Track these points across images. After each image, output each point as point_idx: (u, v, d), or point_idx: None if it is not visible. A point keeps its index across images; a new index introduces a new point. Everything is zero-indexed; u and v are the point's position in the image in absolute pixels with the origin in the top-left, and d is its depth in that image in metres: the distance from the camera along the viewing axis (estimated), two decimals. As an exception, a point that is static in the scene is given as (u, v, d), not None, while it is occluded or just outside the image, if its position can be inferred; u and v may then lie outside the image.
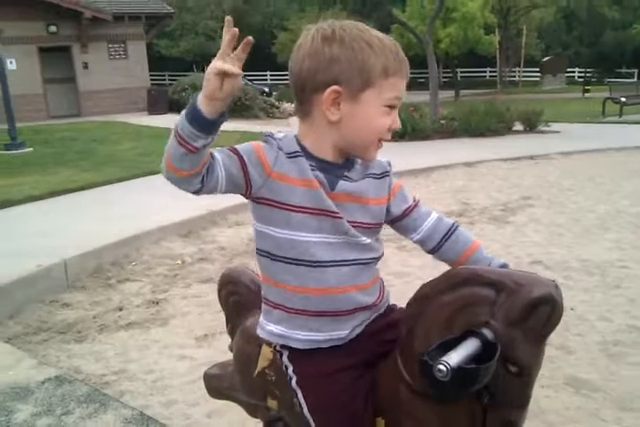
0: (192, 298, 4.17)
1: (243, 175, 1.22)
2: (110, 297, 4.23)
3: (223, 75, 1.09)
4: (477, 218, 6.01)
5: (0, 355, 3.27)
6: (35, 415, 2.62)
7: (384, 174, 1.37)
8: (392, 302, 1.47)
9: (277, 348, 1.39)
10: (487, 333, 1.13)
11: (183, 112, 1.13)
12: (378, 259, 1.37)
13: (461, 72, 33.56)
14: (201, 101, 1.11)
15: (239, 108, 15.72)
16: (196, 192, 1.21)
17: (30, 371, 3.03)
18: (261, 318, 1.41)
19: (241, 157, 1.22)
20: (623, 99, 15.74)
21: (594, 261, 4.55)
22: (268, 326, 1.37)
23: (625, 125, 13.85)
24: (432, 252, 1.43)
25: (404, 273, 4.33)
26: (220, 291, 1.92)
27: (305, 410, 1.35)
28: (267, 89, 22.53)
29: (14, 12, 16.38)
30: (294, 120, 15.82)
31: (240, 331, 1.75)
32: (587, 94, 23.95)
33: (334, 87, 1.21)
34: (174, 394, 2.88)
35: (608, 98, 16.50)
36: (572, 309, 3.58)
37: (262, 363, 1.59)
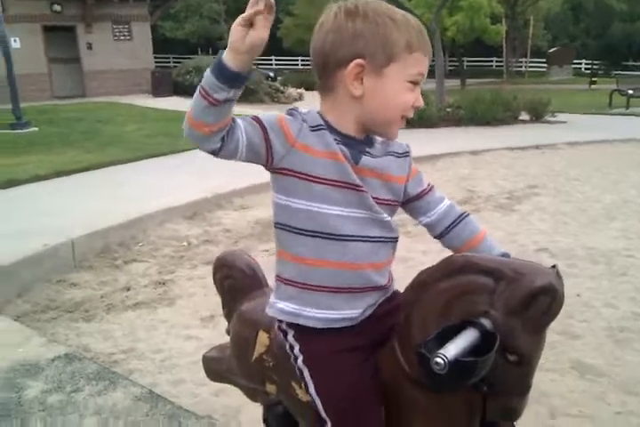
0: (197, 279, 4.19)
1: (264, 144, 1.20)
2: (117, 277, 4.25)
3: (248, 25, 1.09)
4: (483, 206, 6.01)
5: (9, 332, 3.29)
6: (45, 392, 2.64)
7: (405, 154, 1.37)
8: (394, 286, 1.47)
9: (283, 327, 1.38)
10: (486, 323, 1.11)
11: (209, 67, 1.14)
12: (396, 239, 1.37)
13: (467, 61, 33.36)
14: (226, 54, 1.11)
15: (244, 93, 15.48)
16: (216, 152, 1.19)
17: (40, 349, 3.05)
18: (272, 297, 1.39)
19: (263, 126, 1.21)
20: (630, 91, 15.66)
21: (600, 250, 4.56)
22: (278, 304, 1.35)
23: (632, 117, 13.78)
24: (439, 237, 1.43)
25: (407, 258, 4.34)
26: (214, 274, 1.90)
27: (311, 390, 1.34)
28: (272, 74, 22.39)
29: (18, -10, 16.26)
30: (299, 105, 15.82)
31: (236, 315, 1.74)
32: (593, 86, 23.82)
33: (358, 61, 1.20)
34: (182, 373, 2.90)
35: (615, 90, 16.42)
36: (577, 295, 3.60)
37: (259, 349, 1.58)
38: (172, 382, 2.83)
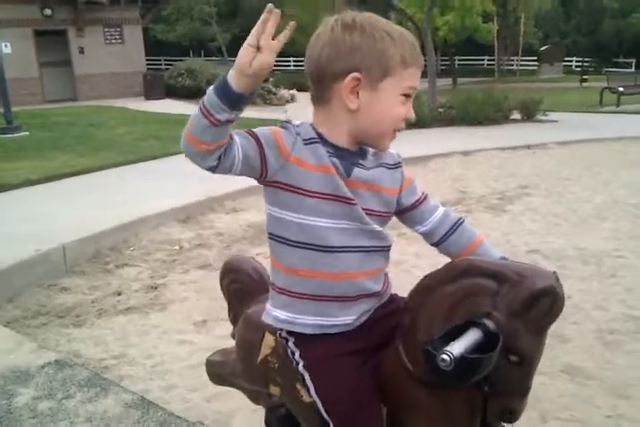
0: (190, 284, 4.19)
1: (259, 158, 1.22)
2: (109, 282, 4.24)
3: (256, 49, 1.10)
4: (474, 207, 6.02)
5: (0, 339, 3.28)
6: (36, 399, 2.63)
7: (397, 165, 1.40)
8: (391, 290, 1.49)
9: (283, 334, 1.41)
10: (489, 323, 1.15)
11: (211, 86, 1.15)
12: (388, 248, 1.39)
13: (459, 60, 33.42)
14: (231, 75, 1.12)
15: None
16: (211, 169, 1.20)
17: (30, 355, 3.04)
18: (268, 304, 1.42)
19: (258, 140, 1.22)
20: (621, 89, 15.74)
21: (590, 251, 4.58)
22: (274, 312, 1.38)
23: (622, 115, 13.85)
24: (436, 245, 1.46)
25: (401, 260, 4.35)
26: (221, 279, 1.93)
27: (313, 393, 1.36)
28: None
29: (9, -6, 16.20)
30: (291, 106, 15.80)
31: (242, 319, 1.77)
32: (584, 84, 23.90)
33: (354, 74, 1.23)
34: (174, 379, 2.90)
35: (606, 88, 16.49)
36: (568, 297, 3.60)
37: (265, 350, 1.60)
38: (164, 387, 2.83)
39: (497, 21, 27.90)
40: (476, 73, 31.71)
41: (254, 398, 1.88)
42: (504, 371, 1.16)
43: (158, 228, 5.36)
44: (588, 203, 6.14)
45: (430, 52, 13.79)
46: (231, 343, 1.86)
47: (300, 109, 14.99)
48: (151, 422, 2.45)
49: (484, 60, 34.95)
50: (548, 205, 6.11)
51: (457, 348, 1.10)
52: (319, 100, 1.30)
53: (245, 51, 1.10)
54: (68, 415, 2.52)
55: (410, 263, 4.30)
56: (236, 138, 1.20)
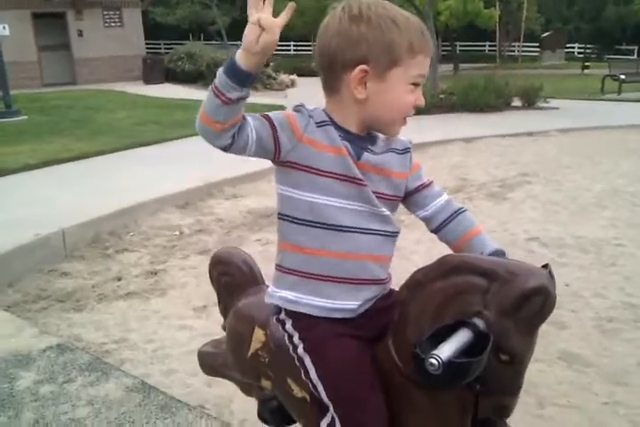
0: (190, 269, 4.20)
1: (272, 139, 1.25)
2: (109, 267, 4.25)
3: (260, 28, 1.12)
4: (475, 194, 6.02)
5: (1, 323, 3.29)
6: (37, 383, 2.66)
7: (406, 150, 1.41)
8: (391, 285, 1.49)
9: (281, 317, 1.41)
10: (479, 323, 1.13)
11: (222, 67, 1.18)
12: (396, 234, 1.40)
13: (460, 45, 33.19)
14: (239, 54, 1.15)
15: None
16: (226, 148, 1.24)
17: (31, 339, 3.06)
18: (271, 287, 1.42)
19: (272, 122, 1.25)
20: (622, 76, 15.65)
21: (590, 239, 4.59)
22: (279, 293, 1.38)
23: (624, 103, 13.81)
24: (435, 231, 1.46)
25: (399, 247, 4.33)
26: (210, 271, 1.92)
27: (313, 375, 1.36)
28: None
29: (7, -24, 16.02)
30: (291, 91, 15.72)
31: (233, 312, 1.76)
32: (586, 71, 23.78)
33: (362, 66, 1.24)
34: (174, 363, 2.92)
35: (607, 75, 16.40)
36: (566, 285, 3.63)
37: (255, 345, 1.60)
38: (165, 372, 2.84)
39: (499, 7, 27.66)
40: (477, 59, 31.50)
41: (246, 389, 1.89)
42: (495, 370, 1.15)
43: (157, 213, 5.36)
44: (587, 191, 6.14)
45: (432, 37, 13.66)
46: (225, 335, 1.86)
47: (300, 94, 14.94)
48: (152, 406, 2.47)
49: (485, 45, 34.71)
50: (548, 193, 6.11)
51: (445, 351, 1.08)
52: (329, 89, 1.33)
53: (250, 29, 1.13)
54: (69, 399, 2.54)
55: (408, 249, 4.30)
56: (250, 120, 1.24)
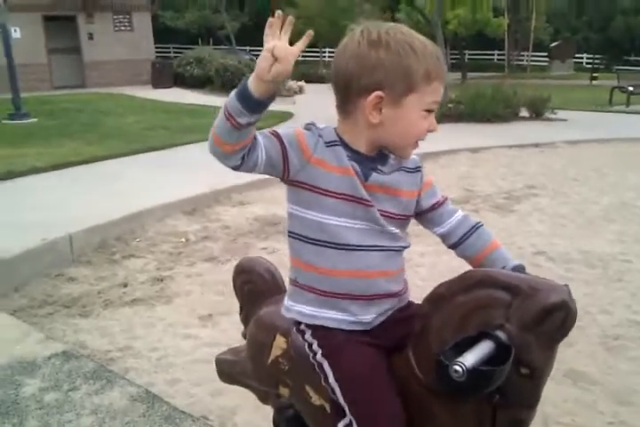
0: (196, 277, 4.20)
1: (282, 158, 1.27)
2: (115, 273, 4.26)
3: (273, 57, 1.13)
4: (481, 206, 6.01)
5: (7, 328, 3.31)
6: (42, 390, 2.66)
7: (417, 169, 1.42)
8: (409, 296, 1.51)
9: (301, 327, 1.44)
10: (501, 335, 1.15)
11: (234, 89, 1.19)
12: (404, 248, 1.42)
13: (469, 54, 33.21)
14: (251, 80, 1.16)
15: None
16: (236, 168, 1.26)
17: (37, 345, 3.07)
18: (287, 301, 1.45)
19: (282, 141, 1.27)
20: (631, 88, 15.59)
21: (596, 254, 4.58)
22: (296, 307, 1.42)
23: (632, 115, 13.74)
24: (453, 247, 1.48)
25: (405, 259, 4.33)
26: (234, 279, 1.96)
27: (331, 379, 1.38)
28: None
29: (19, -21, 16.13)
30: (299, 98, 15.74)
31: (254, 320, 1.79)
32: (594, 82, 23.72)
33: (377, 93, 1.25)
34: (178, 373, 2.92)
35: (616, 87, 16.36)
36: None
37: (276, 352, 1.63)
38: (169, 381, 2.85)
39: (507, 16, 27.68)
40: (485, 68, 31.49)
41: (263, 397, 1.91)
42: (514, 383, 1.17)
43: (164, 219, 5.38)
44: (595, 204, 6.12)
45: (440, 45, 13.71)
46: (236, 339, 1.88)
47: (308, 101, 14.98)
48: (156, 417, 2.48)
49: (493, 54, 34.73)
50: (555, 205, 6.09)
51: (469, 359, 1.11)
52: (343, 111, 1.34)
53: (264, 57, 1.14)
54: (74, 407, 2.55)
55: (414, 262, 4.29)
56: (260, 139, 1.25)
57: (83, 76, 18.68)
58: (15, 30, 15.65)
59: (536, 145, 9.59)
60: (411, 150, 1.37)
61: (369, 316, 1.38)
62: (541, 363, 1.17)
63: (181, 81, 18.14)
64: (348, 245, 1.33)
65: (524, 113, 12.84)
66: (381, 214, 1.34)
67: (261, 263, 1.91)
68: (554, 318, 1.13)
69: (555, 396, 2.66)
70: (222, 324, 3.40)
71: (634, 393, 2.70)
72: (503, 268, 1.38)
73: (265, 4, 28.69)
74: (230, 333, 3.19)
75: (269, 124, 9.63)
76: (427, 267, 4.16)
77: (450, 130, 11.10)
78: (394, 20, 26.28)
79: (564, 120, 12.49)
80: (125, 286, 4.05)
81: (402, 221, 1.40)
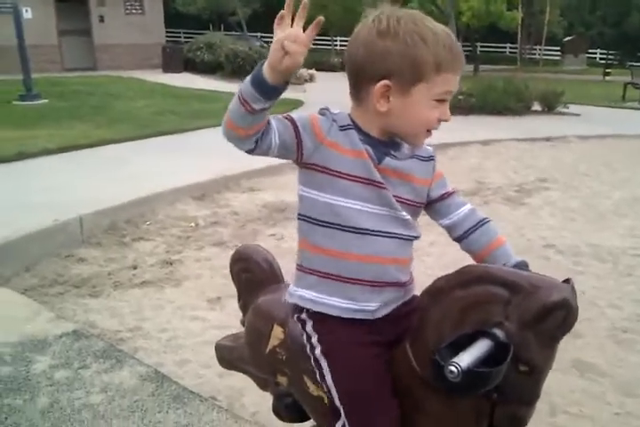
0: (205, 261, 4.22)
1: (295, 141, 1.27)
2: (125, 255, 4.28)
3: (284, 51, 1.12)
4: (492, 198, 5.99)
5: (18, 307, 3.33)
6: (53, 367, 2.69)
7: (430, 158, 1.41)
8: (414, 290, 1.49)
9: (302, 317, 1.41)
10: (499, 333, 1.13)
11: (249, 75, 1.19)
12: (416, 238, 1.40)
13: (481, 46, 32.97)
14: (265, 68, 1.16)
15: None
16: (249, 151, 1.26)
17: (48, 324, 3.10)
18: (291, 287, 1.43)
19: (295, 124, 1.27)
20: (644, 84, 15.48)
21: (607, 248, 4.56)
22: (298, 292, 1.40)
23: (644, 111, 13.67)
24: (458, 240, 1.46)
25: (413, 248, 4.33)
26: (232, 267, 1.95)
27: (328, 379, 1.37)
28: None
29: (31, -41, 16.07)
30: (310, 86, 15.68)
31: (252, 308, 1.78)
32: (607, 77, 23.54)
33: (385, 82, 1.25)
34: (187, 354, 2.94)
35: (629, 83, 16.23)
36: (582, 293, 3.61)
37: (273, 342, 1.62)
38: (178, 362, 2.87)
39: (522, 9, 27.44)
40: (497, 61, 31.27)
41: (262, 384, 1.91)
42: (513, 380, 1.15)
43: (174, 204, 5.38)
44: (606, 199, 6.10)
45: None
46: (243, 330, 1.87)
47: (319, 89, 14.92)
48: (165, 396, 2.50)
49: (506, 47, 34.49)
50: (566, 199, 6.07)
51: (465, 359, 1.09)
52: (355, 97, 1.34)
53: (274, 50, 1.13)
54: (83, 385, 2.57)
55: (423, 251, 4.29)
56: (273, 123, 1.25)
57: (93, 58, 18.62)
58: (27, 10, 15.59)
59: (547, 139, 9.54)
60: (422, 139, 1.35)
61: (373, 304, 1.35)
62: (541, 361, 1.16)
63: (192, 66, 18.09)
64: (362, 229, 1.31)
65: (536, 107, 12.75)
66: (396, 200, 1.33)
67: (259, 252, 1.89)
68: (555, 316, 1.11)
69: (562, 386, 2.67)
70: (230, 307, 3.40)
71: (642, 386, 2.71)
72: (505, 264, 1.37)
73: (277, -9, 28.50)
74: (238, 316, 3.20)
75: (279, 111, 9.61)
76: (434, 256, 4.17)
77: (460, 122, 11.04)
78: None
79: (577, 115, 12.40)
80: (135, 268, 4.06)
81: (415, 208, 1.39)
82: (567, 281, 1.20)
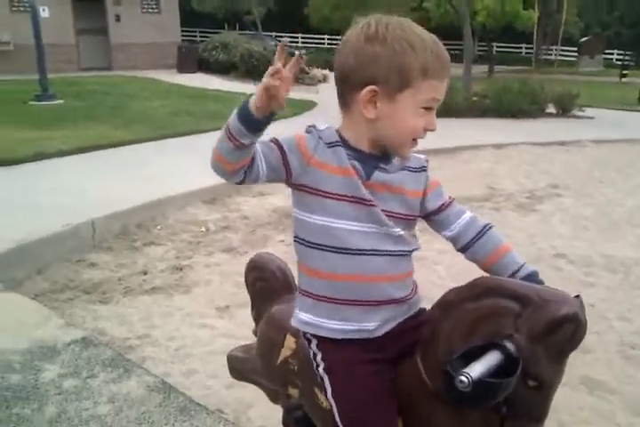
0: (214, 266, 4.24)
1: (282, 164, 1.27)
2: (135, 260, 4.31)
3: (269, 94, 1.14)
4: (503, 204, 5.96)
5: (28, 312, 3.36)
6: (61, 376, 2.70)
7: (421, 169, 1.40)
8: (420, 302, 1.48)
9: (307, 335, 1.43)
10: (510, 346, 1.14)
11: (235, 110, 1.20)
12: (411, 252, 1.40)
13: (497, 46, 32.73)
14: (252, 102, 1.17)
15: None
16: (240, 183, 1.28)
17: (57, 331, 3.11)
18: (296, 308, 1.44)
19: (281, 147, 1.28)
20: (661, 87, 15.29)
21: (619, 258, 4.52)
22: (300, 315, 1.41)
23: (661, 116, 13.50)
24: (462, 250, 1.44)
25: (422, 257, 4.30)
26: (246, 276, 1.96)
27: (329, 395, 1.38)
28: (297, 52, 22.12)
29: (49, -41, 16.19)
30: (323, 86, 15.66)
31: (265, 317, 1.79)
32: (624, 79, 23.29)
33: (371, 87, 1.25)
34: (195, 363, 2.96)
35: (645, 85, 16.05)
36: (592, 306, 3.58)
37: (285, 352, 1.62)
38: (185, 372, 2.88)
39: (538, 9, 27.19)
40: (513, 61, 31.04)
41: (273, 397, 1.91)
42: (522, 395, 1.16)
43: (185, 208, 5.41)
44: (620, 207, 6.04)
45: (467, 37, 13.57)
46: (255, 340, 1.88)
47: (332, 90, 14.78)
48: (171, 408, 2.50)
49: (521, 48, 34.21)
50: (579, 206, 6.02)
51: (476, 370, 1.10)
52: (343, 104, 1.34)
53: (260, 93, 1.15)
54: (92, 394, 2.58)
55: (432, 260, 4.28)
56: (258, 147, 1.26)
57: (109, 58, 18.75)
58: (44, 9, 15.69)
59: (562, 143, 9.46)
60: (408, 149, 1.34)
61: (372, 323, 1.35)
62: (550, 375, 1.16)
63: (206, 66, 18.12)
64: (350, 249, 1.31)
65: (550, 109, 12.64)
66: (386, 215, 1.32)
67: (274, 261, 1.90)
68: (564, 330, 1.12)
69: (571, 404, 2.65)
70: (239, 316, 3.42)
71: (651, 405, 2.68)
72: (515, 273, 1.36)
73: (292, -10, 28.48)
74: (247, 325, 3.20)
75: (293, 112, 9.63)
76: (445, 264, 4.15)
77: (475, 124, 11.01)
78: (422, 9, 25.99)
79: (592, 118, 12.29)
80: (145, 273, 4.09)
81: (408, 221, 1.38)
82: (577, 296, 1.20)
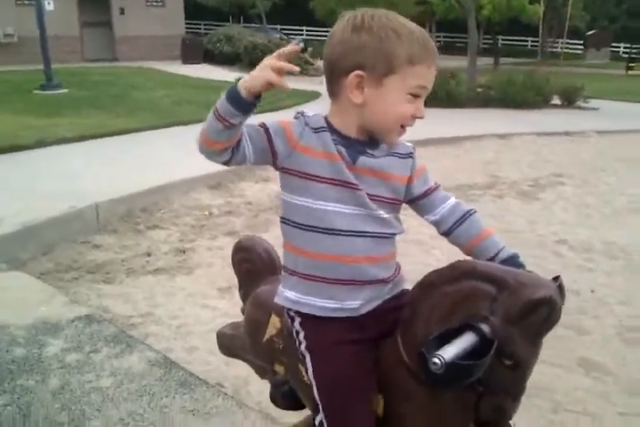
0: (217, 250, 4.26)
1: (269, 147, 1.30)
2: (139, 242, 4.34)
3: (269, 84, 1.18)
4: (506, 192, 5.97)
5: (33, 290, 3.40)
6: (65, 351, 2.74)
7: (408, 155, 1.42)
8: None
9: (291, 313, 1.45)
10: (485, 328, 1.16)
11: (223, 94, 1.23)
12: (394, 235, 1.42)
13: (502, 39, 32.57)
14: (241, 86, 1.20)
15: (273, 63, 15.52)
16: (226, 163, 1.31)
17: (61, 308, 3.15)
18: (280, 286, 1.47)
19: (267, 131, 1.31)
20: (668, 79, 15.21)
21: (619, 245, 4.53)
22: (285, 293, 1.44)
23: (666, 107, 13.44)
24: (445, 235, 1.46)
25: (420, 241, 4.31)
26: (233, 257, 1.99)
27: (310, 373, 1.42)
28: (302, 44, 22.08)
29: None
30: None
31: (251, 297, 1.82)
32: (630, 72, 23.17)
33: (357, 72, 1.27)
34: (196, 341, 2.99)
35: (652, 77, 15.96)
36: (592, 291, 3.60)
37: (270, 331, 1.65)
38: (187, 348, 2.92)
39: (543, 2, 27.02)
40: (518, 54, 30.87)
41: (261, 372, 1.94)
42: (498, 373, 1.18)
43: (189, 193, 5.44)
44: (622, 195, 6.04)
45: (472, 30, 13.51)
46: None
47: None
48: (172, 382, 2.54)
49: (527, 40, 34.02)
50: (581, 195, 6.03)
51: (449, 352, 1.12)
52: (331, 93, 1.36)
53: (259, 80, 1.18)
54: (94, 368, 2.62)
55: (430, 244, 4.28)
56: (245, 131, 1.28)
57: (114, 50, 18.77)
58: (49, 2, 15.72)
59: (566, 133, 9.46)
60: (396, 135, 1.36)
61: (356, 302, 1.37)
62: (526, 355, 1.18)
63: (210, 58, 18.15)
64: (335, 230, 1.33)
65: (555, 101, 12.63)
66: (371, 198, 1.34)
67: (260, 243, 1.93)
68: (538, 312, 1.14)
69: (566, 384, 2.67)
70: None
71: (647, 385, 2.69)
72: (496, 255, 1.38)
73: (298, -17, 28.37)
74: (246, 305, 3.25)
75: (296, 102, 9.64)
76: (442, 249, 4.16)
77: (478, 114, 11.00)
78: (427, 2, 25.86)
79: (596, 109, 12.27)
80: (149, 255, 4.13)
81: (394, 205, 1.40)
82: (556, 279, 1.23)
